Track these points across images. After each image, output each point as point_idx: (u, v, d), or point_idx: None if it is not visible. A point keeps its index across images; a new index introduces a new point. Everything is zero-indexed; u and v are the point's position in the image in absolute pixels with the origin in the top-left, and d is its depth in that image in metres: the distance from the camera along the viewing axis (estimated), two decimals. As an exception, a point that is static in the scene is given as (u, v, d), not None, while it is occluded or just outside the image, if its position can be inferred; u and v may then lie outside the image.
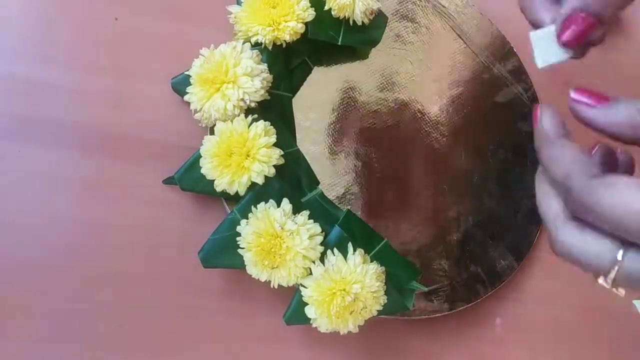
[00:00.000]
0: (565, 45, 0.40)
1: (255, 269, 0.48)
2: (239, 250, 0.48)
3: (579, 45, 0.39)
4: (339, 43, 0.57)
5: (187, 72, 0.52)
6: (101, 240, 0.53)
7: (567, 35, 0.39)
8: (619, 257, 0.33)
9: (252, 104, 0.51)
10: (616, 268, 0.33)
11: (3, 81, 0.54)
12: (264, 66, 0.52)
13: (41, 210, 0.53)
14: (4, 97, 0.54)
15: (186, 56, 0.53)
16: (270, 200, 0.49)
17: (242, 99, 0.50)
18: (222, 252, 0.50)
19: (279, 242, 0.47)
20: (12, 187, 0.53)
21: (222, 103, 0.49)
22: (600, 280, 0.35)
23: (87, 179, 0.54)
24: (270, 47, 0.54)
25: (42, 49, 0.56)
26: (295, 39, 0.54)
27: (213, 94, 0.50)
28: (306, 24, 0.54)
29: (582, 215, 0.34)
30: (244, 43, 0.52)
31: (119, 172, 0.55)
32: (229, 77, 0.50)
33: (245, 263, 0.48)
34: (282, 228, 0.48)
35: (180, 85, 0.55)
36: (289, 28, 0.53)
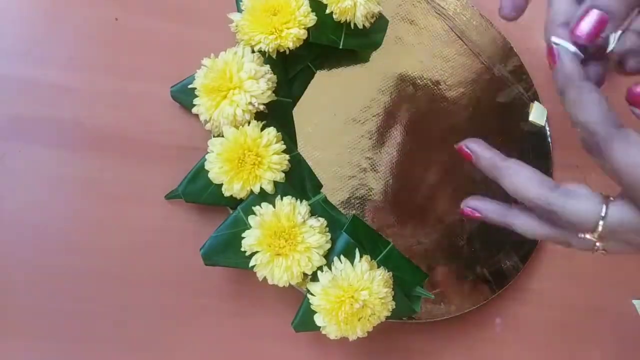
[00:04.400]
0: (577, 40, 0.39)
1: (258, 247, 0.46)
2: (249, 219, 0.47)
3: (591, 42, 0.39)
4: (340, 47, 0.55)
5: (190, 86, 0.49)
6: (102, 240, 0.51)
7: (579, 29, 0.39)
8: (603, 211, 0.37)
9: (261, 107, 0.48)
10: (601, 222, 0.37)
11: (3, 81, 0.53)
12: (267, 67, 0.50)
13: (41, 210, 0.51)
14: (4, 97, 0.52)
15: (186, 56, 0.52)
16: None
17: (250, 103, 0.47)
18: (224, 250, 0.48)
19: (296, 231, 0.46)
20: (12, 187, 0.51)
21: (230, 109, 0.47)
22: (588, 236, 0.38)
23: (87, 179, 0.52)
24: (274, 55, 0.51)
25: (42, 49, 0.54)
26: (298, 45, 0.51)
27: (220, 102, 0.48)
28: (308, 28, 0.52)
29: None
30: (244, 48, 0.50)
31: (119, 172, 0.53)
32: (234, 82, 0.47)
33: (248, 239, 0.47)
34: (304, 221, 0.47)
35: (179, 93, 0.53)
36: (292, 35, 0.50)
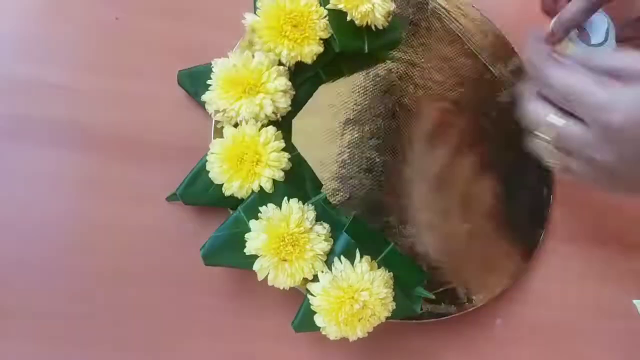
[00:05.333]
0: None
1: (264, 251, 0.46)
2: (254, 223, 0.47)
3: None
4: (366, 51, 0.54)
5: (214, 69, 0.49)
6: (101, 240, 0.51)
7: None
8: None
9: (280, 118, 0.50)
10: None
11: (3, 81, 0.52)
12: (290, 84, 0.50)
13: (41, 210, 0.51)
14: (4, 97, 0.52)
15: (187, 56, 0.52)
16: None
17: (274, 112, 0.49)
18: (225, 250, 0.48)
19: (303, 237, 0.46)
20: (12, 187, 0.51)
21: (256, 109, 0.48)
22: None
23: (87, 179, 0.52)
24: (292, 68, 0.52)
25: (42, 49, 0.54)
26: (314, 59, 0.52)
27: (240, 98, 0.48)
28: (334, 38, 0.52)
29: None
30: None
31: (119, 171, 0.52)
32: (266, 87, 0.48)
33: (254, 242, 0.46)
34: (311, 227, 0.47)
35: (186, 78, 0.53)
36: (313, 53, 0.51)
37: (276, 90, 0.48)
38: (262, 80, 0.48)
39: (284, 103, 0.49)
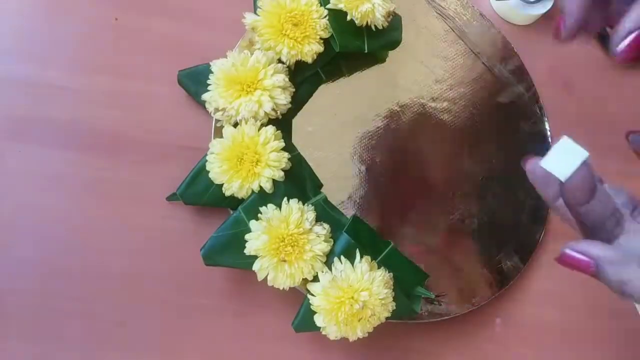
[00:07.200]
0: (620, 58, 0.40)
1: (264, 252, 0.45)
2: (254, 224, 0.46)
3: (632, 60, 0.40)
4: (366, 50, 0.54)
5: (213, 69, 0.49)
6: (102, 240, 0.51)
7: (626, 51, 0.39)
8: None
9: (280, 116, 0.49)
10: None
11: (3, 81, 0.52)
12: (289, 83, 0.50)
13: (41, 210, 0.51)
14: (4, 97, 0.52)
15: (187, 56, 0.52)
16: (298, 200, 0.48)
17: (274, 109, 0.49)
18: (224, 250, 0.48)
19: (303, 238, 0.46)
20: (12, 187, 0.51)
21: (255, 107, 0.48)
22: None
23: (87, 179, 0.52)
24: (292, 67, 0.52)
25: (42, 49, 0.54)
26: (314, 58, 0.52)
27: (239, 96, 0.48)
28: (334, 37, 0.52)
29: None
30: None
31: (119, 172, 0.52)
32: (264, 84, 0.48)
33: (254, 243, 0.46)
34: (311, 228, 0.46)
35: (186, 78, 0.53)
36: (313, 52, 0.51)
37: (274, 86, 0.48)
38: (259, 77, 0.48)
39: (284, 99, 0.49)
